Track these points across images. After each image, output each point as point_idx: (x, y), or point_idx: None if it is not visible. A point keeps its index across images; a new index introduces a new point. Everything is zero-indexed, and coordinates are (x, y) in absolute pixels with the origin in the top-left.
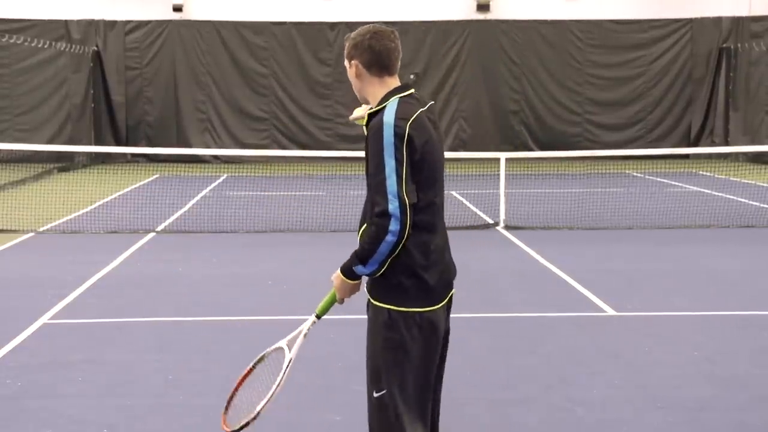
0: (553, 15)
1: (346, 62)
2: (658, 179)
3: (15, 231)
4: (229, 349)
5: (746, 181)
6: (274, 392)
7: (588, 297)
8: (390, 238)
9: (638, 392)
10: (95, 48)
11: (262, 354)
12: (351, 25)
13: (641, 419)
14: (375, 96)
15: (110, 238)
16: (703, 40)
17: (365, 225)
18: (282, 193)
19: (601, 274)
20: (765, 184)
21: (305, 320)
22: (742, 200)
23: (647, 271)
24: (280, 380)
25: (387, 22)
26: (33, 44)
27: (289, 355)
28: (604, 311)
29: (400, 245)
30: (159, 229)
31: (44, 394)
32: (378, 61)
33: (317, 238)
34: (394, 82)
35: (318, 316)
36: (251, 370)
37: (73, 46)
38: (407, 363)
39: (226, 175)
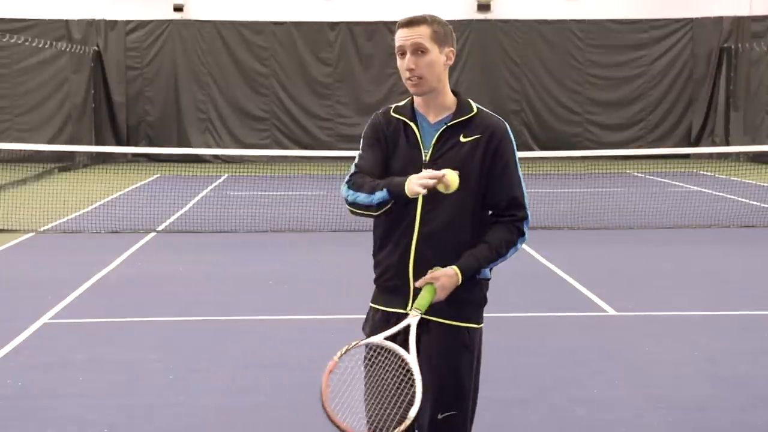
0: (553, 15)
1: (433, 46)
2: (659, 179)
3: (15, 231)
4: (229, 349)
5: (746, 181)
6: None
7: (588, 297)
8: (517, 246)
9: (638, 392)
10: (96, 48)
11: (351, 346)
12: (351, 25)
13: (641, 419)
14: (448, 90)
15: (111, 238)
16: (704, 40)
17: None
18: (282, 193)
19: (601, 274)
20: (765, 184)
21: (305, 320)
22: (743, 200)
23: (647, 271)
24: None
25: (388, 22)
26: (33, 44)
27: (411, 356)
28: (604, 311)
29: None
30: (160, 228)
31: (44, 394)
32: None
33: (317, 238)
34: None
35: (422, 312)
36: (336, 363)
37: (74, 46)
38: (477, 378)
39: (226, 175)
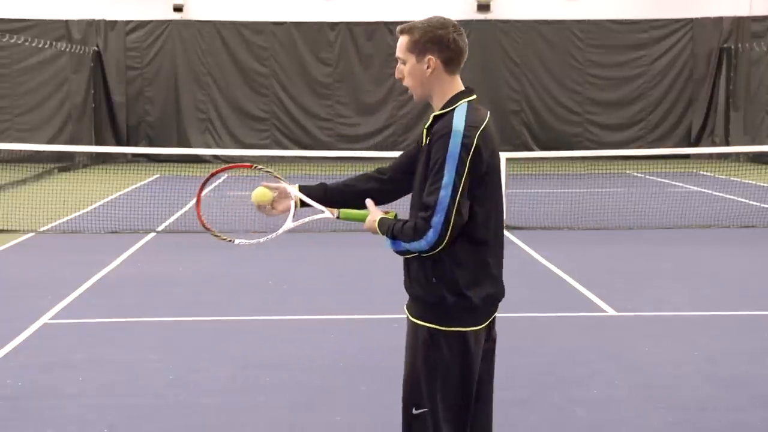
0: (553, 15)
1: (408, 56)
2: (659, 179)
3: (15, 231)
4: (229, 349)
5: (746, 181)
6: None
7: (588, 297)
8: (421, 245)
9: (638, 392)
10: (96, 48)
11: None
12: (351, 25)
13: (641, 419)
14: (443, 95)
15: (110, 238)
16: (704, 40)
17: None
18: None
19: (601, 274)
20: (765, 184)
21: (305, 319)
22: (743, 200)
23: (647, 271)
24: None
25: (387, 22)
26: (33, 44)
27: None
28: (604, 311)
29: (429, 255)
30: (159, 229)
31: (44, 394)
32: (457, 59)
33: (317, 238)
34: (460, 82)
35: (339, 217)
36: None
37: (74, 46)
38: (448, 382)
39: (226, 175)
